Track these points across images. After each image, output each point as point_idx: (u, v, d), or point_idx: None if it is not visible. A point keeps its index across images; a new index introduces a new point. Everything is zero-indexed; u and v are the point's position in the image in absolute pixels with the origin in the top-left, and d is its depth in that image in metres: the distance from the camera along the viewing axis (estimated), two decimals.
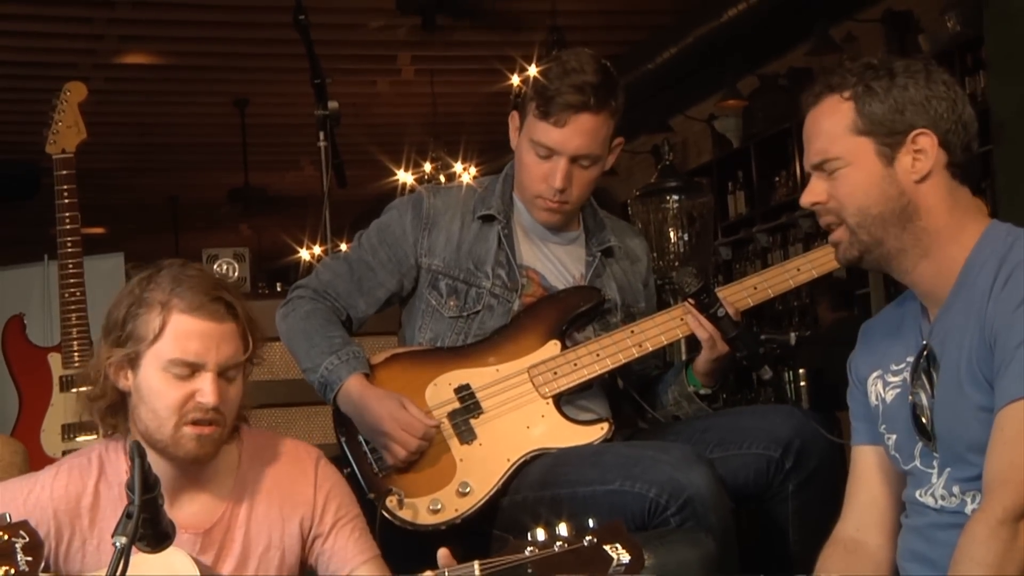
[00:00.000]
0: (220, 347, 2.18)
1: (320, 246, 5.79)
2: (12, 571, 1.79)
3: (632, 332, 2.73)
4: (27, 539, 1.82)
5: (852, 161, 1.93)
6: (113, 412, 2.25)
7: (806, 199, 1.99)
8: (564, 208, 2.80)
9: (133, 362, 2.20)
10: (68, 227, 3.63)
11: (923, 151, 1.90)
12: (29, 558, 1.81)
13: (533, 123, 2.75)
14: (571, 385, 2.71)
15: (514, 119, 2.84)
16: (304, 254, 8.71)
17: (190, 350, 2.17)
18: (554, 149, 2.73)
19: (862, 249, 1.96)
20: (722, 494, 2.49)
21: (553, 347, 2.74)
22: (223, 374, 2.19)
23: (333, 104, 3.52)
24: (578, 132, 2.72)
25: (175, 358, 2.17)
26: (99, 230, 10.68)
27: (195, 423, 2.17)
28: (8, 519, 1.82)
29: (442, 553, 2.00)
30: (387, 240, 2.87)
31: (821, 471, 2.58)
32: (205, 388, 2.16)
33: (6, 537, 1.81)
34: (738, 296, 2.73)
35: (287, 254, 9.78)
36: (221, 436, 2.22)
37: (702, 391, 2.76)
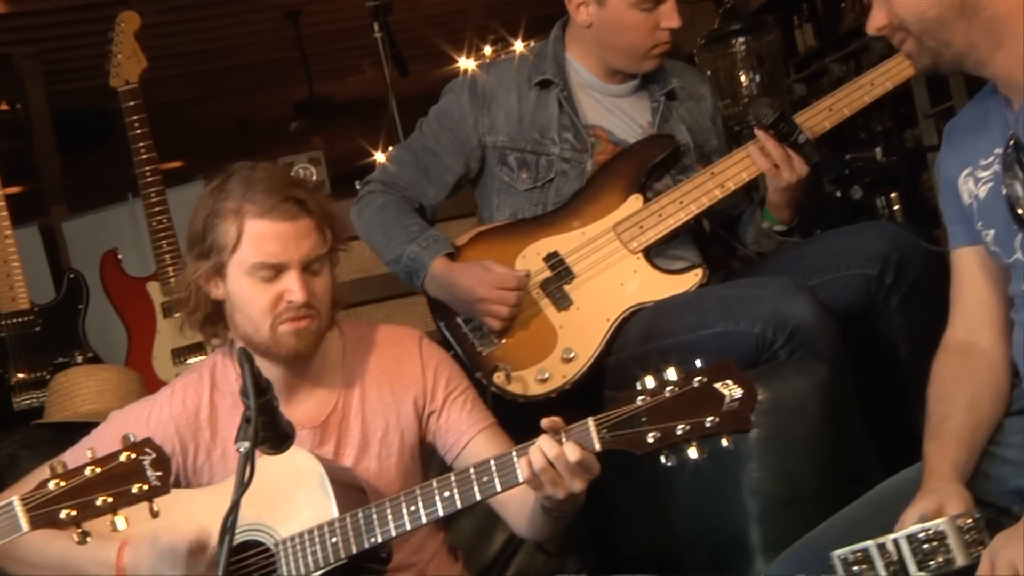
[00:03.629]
0: (299, 244, 2.19)
1: (393, 147, 5.79)
2: (145, 487, 1.84)
3: (712, 174, 2.70)
4: (153, 455, 1.86)
5: None
6: (211, 322, 2.29)
7: (870, 27, 1.98)
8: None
9: (220, 271, 2.23)
10: (144, 157, 3.67)
11: None
12: (159, 473, 1.85)
13: None
14: (659, 236, 2.69)
15: None
16: (379, 156, 8.72)
17: (269, 252, 2.19)
18: None
19: (933, 56, 1.93)
20: (827, 319, 2.47)
21: (635, 201, 2.72)
22: (307, 268, 2.21)
23: None
24: None
25: (256, 262, 2.19)
26: (177, 164, 10.78)
27: (290, 320, 2.20)
28: (132, 438, 1.87)
29: (547, 421, 1.99)
30: (447, 124, 2.85)
31: (923, 281, 2.55)
32: (292, 286, 2.18)
33: (134, 455, 1.85)
34: (814, 120, 2.68)
35: (362, 158, 9.81)
36: (319, 328, 2.24)
37: (777, 227, 2.72)
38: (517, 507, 2.20)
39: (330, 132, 10.03)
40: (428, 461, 2.40)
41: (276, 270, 2.19)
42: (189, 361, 3.73)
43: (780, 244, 2.75)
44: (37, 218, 5.74)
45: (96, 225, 5.13)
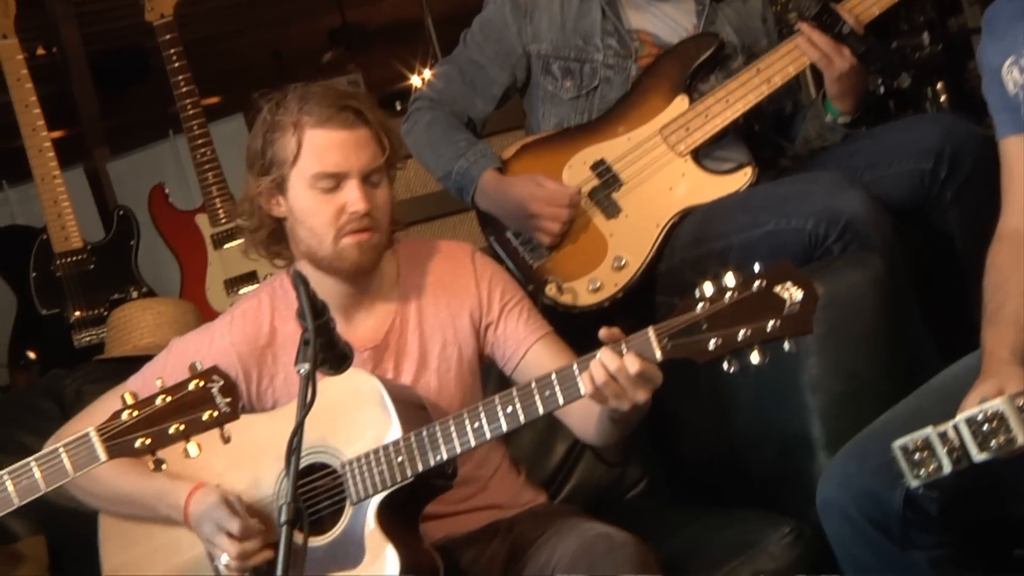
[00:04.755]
0: (359, 153, 2.20)
1: (430, 70, 5.74)
2: (215, 414, 1.86)
3: (758, 70, 2.65)
4: (221, 382, 1.87)
5: None
6: (275, 240, 2.30)
7: None
8: None
9: (281, 186, 2.24)
10: (184, 90, 3.68)
11: None
12: (228, 399, 1.87)
13: None
14: (706, 137, 2.67)
15: None
16: (415, 80, 8.66)
17: (330, 161, 2.19)
18: None
19: None
20: (881, 212, 2.45)
21: (681, 103, 2.69)
22: (367, 179, 2.21)
23: None
24: None
25: (318, 172, 2.19)
26: (214, 100, 10.76)
27: (353, 232, 2.21)
28: (199, 367, 1.89)
29: (604, 332, 1.95)
30: (491, 35, 2.83)
31: (977, 173, 2.50)
32: (353, 196, 2.19)
33: (202, 383, 1.87)
34: (863, 7, 2.61)
35: (399, 81, 9.76)
36: (380, 242, 2.25)
37: (841, 119, 2.68)
38: (580, 414, 2.20)
39: (365, 58, 9.97)
40: (485, 378, 2.41)
41: (337, 180, 2.19)
42: (242, 291, 3.76)
43: (845, 137, 2.70)
44: (81, 161, 5.76)
45: (140, 164, 5.15)
